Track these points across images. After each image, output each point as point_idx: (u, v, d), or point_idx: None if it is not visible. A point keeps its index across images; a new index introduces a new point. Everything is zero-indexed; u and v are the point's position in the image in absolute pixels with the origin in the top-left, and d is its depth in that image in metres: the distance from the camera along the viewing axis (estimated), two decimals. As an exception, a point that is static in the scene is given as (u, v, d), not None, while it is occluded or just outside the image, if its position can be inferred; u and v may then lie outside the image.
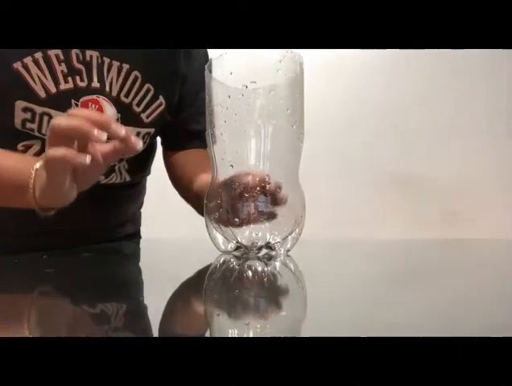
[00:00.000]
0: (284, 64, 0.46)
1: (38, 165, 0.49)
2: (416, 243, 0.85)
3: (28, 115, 0.61)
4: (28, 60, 0.59)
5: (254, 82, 0.44)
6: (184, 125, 0.75)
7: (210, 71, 0.47)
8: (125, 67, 0.66)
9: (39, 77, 0.60)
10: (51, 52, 0.60)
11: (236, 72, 0.45)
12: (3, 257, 0.50)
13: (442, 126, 2.02)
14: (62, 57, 0.61)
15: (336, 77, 1.99)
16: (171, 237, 0.80)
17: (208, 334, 0.22)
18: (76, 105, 0.63)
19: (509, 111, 2.03)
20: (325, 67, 1.93)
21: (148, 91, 0.68)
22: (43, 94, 0.61)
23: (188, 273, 0.42)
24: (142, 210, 0.86)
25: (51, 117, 0.62)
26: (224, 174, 0.47)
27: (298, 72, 0.47)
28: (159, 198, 0.90)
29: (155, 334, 0.22)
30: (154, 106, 0.70)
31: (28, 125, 0.62)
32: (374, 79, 2.00)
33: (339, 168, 1.98)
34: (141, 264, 0.56)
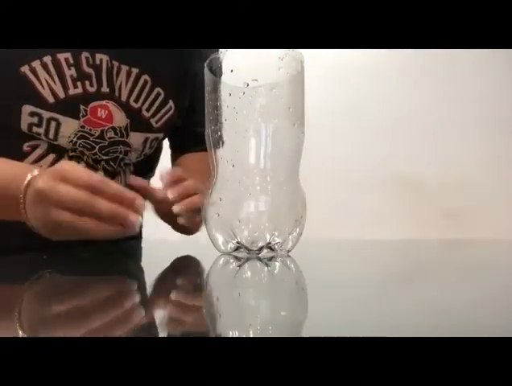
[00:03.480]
0: (286, 62, 0.45)
1: (30, 176, 0.49)
2: (416, 243, 0.85)
3: (35, 119, 0.59)
4: (36, 64, 0.58)
5: (256, 80, 0.44)
6: (193, 127, 0.74)
7: (210, 69, 0.47)
8: (135, 71, 0.64)
9: (47, 82, 0.58)
10: (61, 56, 0.59)
11: (237, 70, 0.45)
12: (3, 257, 0.50)
13: (442, 126, 2.02)
14: (72, 61, 0.59)
15: (336, 77, 1.99)
16: (170, 237, 0.80)
17: (208, 335, 0.22)
18: (85, 111, 0.62)
19: (510, 111, 2.03)
20: (326, 67, 1.93)
21: (158, 95, 0.67)
22: (51, 99, 0.59)
23: (188, 273, 0.42)
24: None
25: (58, 123, 0.60)
26: (224, 173, 0.47)
27: (299, 70, 0.47)
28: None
29: (155, 334, 0.22)
30: (163, 111, 0.68)
31: (35, 129, 0.60)
32: (375, 79, 2.00)
33: (339, 168, 1.98)
34: (140, 264, 0.56)
